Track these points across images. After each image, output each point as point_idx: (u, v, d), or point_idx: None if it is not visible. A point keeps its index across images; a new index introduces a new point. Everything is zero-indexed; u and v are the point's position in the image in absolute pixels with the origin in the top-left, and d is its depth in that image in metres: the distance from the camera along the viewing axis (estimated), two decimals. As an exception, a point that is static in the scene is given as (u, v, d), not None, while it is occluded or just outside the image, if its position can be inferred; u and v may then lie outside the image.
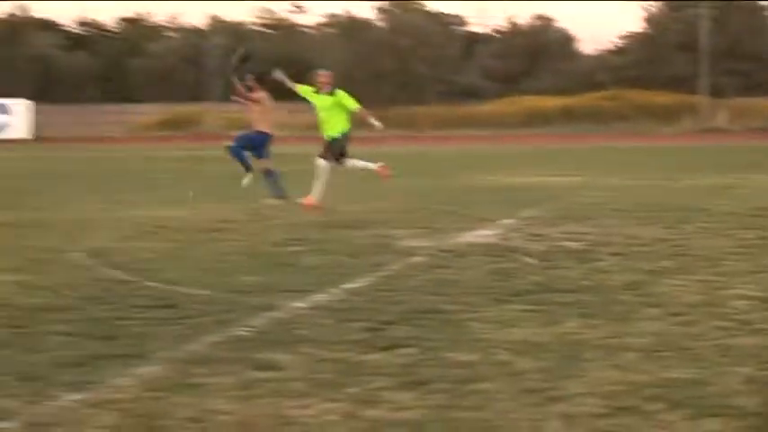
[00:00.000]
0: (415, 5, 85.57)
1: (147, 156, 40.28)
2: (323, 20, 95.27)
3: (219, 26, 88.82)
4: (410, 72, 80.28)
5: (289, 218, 16.66)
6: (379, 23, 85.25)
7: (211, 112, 67.21)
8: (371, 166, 18.20)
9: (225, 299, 9.63)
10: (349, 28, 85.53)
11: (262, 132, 19.18)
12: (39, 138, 62.34)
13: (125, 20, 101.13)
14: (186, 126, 66.70)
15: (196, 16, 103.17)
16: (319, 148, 17.99)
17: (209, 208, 18.50)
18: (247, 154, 19.27)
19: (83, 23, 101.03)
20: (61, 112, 67.59)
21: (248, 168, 19.28)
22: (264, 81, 19.15)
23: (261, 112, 19.17)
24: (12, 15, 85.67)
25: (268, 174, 19.28)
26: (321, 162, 17.85)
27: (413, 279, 10.79)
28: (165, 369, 7.03)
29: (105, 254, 12.75)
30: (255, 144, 19.24)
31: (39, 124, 64.30)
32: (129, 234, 14.83)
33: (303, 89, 18.27)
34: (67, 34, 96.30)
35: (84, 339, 7.92)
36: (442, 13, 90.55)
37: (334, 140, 17.84)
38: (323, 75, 18.19)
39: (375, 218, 16.74)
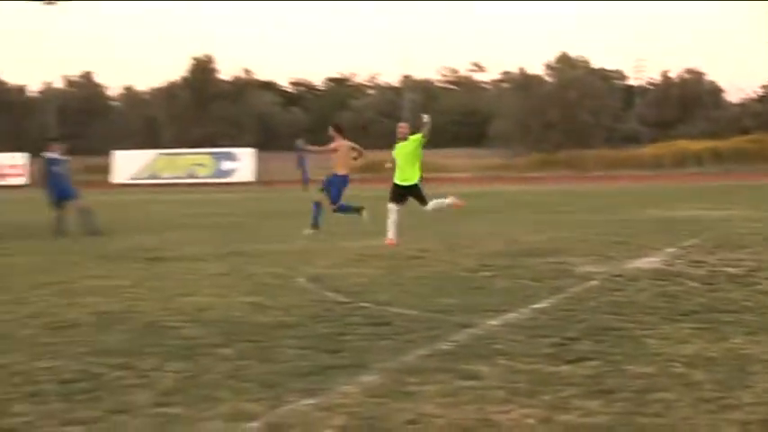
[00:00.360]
0: (581, 62, 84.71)
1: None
2: (499, 76, 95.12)
3: (411, 84, 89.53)
4: (576, 121, 79.57)
5: (479, 248, 16.59)
6: (549, 79, 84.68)
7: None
8: (449, 201, 18.17)
9: (430, 317, 9.64)
10: (522, 83, 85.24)
11: (339, 175, 19.45)
12: (261, 181, 63.79)
13: (332, 80, 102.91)
14: (381, 170, 67.38)
15: (392, 75, 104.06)
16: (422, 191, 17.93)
17: (407, 239, 18.58)
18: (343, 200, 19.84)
19: (296, 83, 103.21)
20: (279, 158, 68.90)
21: (358, 210, 19.65)
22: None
23: (340, 158, 19.71)
24: (238, 78, 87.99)
25: (317, 205, 19.84)
26: (430, 205, 17.86)
27: (591, 300, 10.61)
28: (383, 378, 7.06)
29: (323, 279, 12.90)
30: (334, 184, 19.61)
31: (260, 169, 65.71)
32: (341, 262, 14.97)
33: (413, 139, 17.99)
34: (283, 93, 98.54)
35: (313, 352, 8.03)
36: (604, 69, 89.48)
37: (409, 186, 17.66)
38: (402, 126, 18.10)
39: (554, 247, 16.54)
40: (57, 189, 20.32)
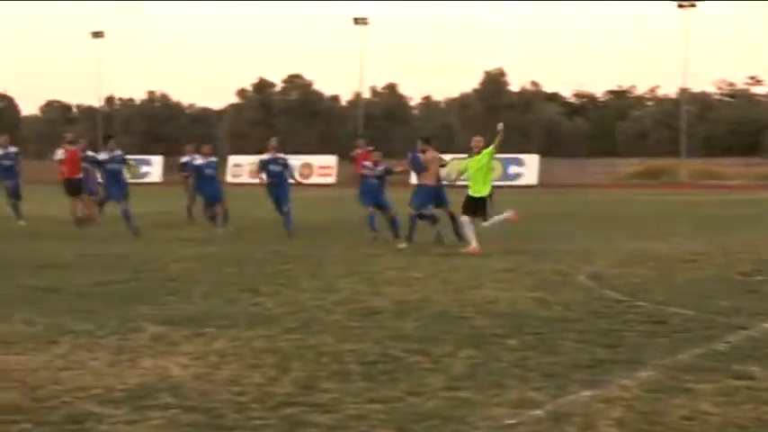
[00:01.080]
0: None
1: (629, 200, 39.71)
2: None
3: (688, 96, 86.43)
4: None
5: (753, 253, 15.76)
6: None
7: (683, 165, 65.29)
8: (505, 215, 16.83)
9: (704, 318, 9.25)
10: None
11: (428, 186, 18.00)
12: (543, 185, 63.34)
13: (611, 92, 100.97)
14: (661, 176, 65.07)
15: (670, 88, 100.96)
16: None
17: (683, 242, 17.91)
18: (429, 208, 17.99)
19: (579, 95, 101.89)
20: (560, 164, 68.27)
21: (434, 220, 17.98)
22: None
23: (430, 170, 18.05)
24: (526, 89, 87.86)
25: (425, 217, 17.85)
26: (488, 222, 16.58)
27: None
28: (659, 374, 6.83)
29: (602, 277, 12.64)
30: (432, 195, 18.04)
31: (543, 174, 65.31)
32: (619, 261, 14.61)
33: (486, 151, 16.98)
34: (567, 103, 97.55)
35: (592, 346, 7.87)
36: None
37: (480, 198, 16.54)
38: (476, 140, 17.08)
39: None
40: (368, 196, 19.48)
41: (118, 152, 20.28)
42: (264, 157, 19.91)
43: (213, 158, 21.33)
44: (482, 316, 9.50)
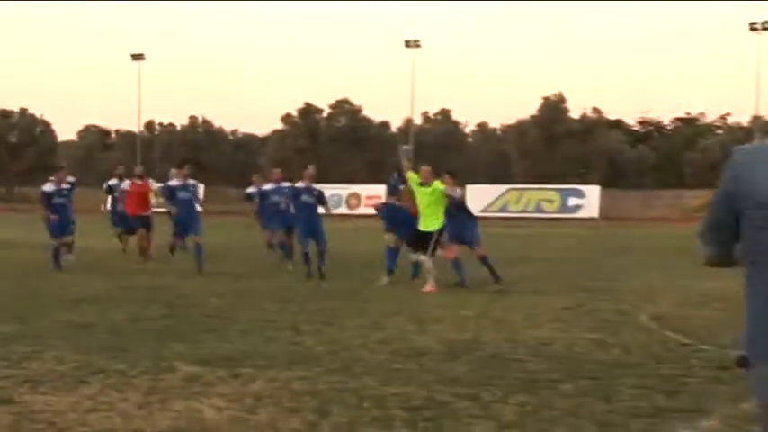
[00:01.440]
0: None
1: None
2: None
3: (762, 124, 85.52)
4: None
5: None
6: None
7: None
8: (429, 276, 16.07)
9: (774, 364, 9.10)
10: None
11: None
12: (604, 217, 62.96)
13: (679, 119, 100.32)
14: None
15: (742, 116, 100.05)
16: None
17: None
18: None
19: (643, 122, 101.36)
20: (623, 196, 67.94)
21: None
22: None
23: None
24: (587, 116, 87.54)
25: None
26: (426, 261, 16.14)
27: None
28: (722, 424, 6.73)
29: (665, 318, 12.52)
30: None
31: (604, 206, 64.92)
32: (683, 301, 14.49)
33: (412, 177, 16.54)
34: (631, 131, 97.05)
35: (652, 393, 7.78)
36: None
37: (428, 234, 16.12)
38: (424, 169, 16.49)
39: None
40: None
41: (66, 185, 20.25)
42: (298, 185, 18.88)
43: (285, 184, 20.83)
44: (536, 359, 9.43)
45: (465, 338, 10.71)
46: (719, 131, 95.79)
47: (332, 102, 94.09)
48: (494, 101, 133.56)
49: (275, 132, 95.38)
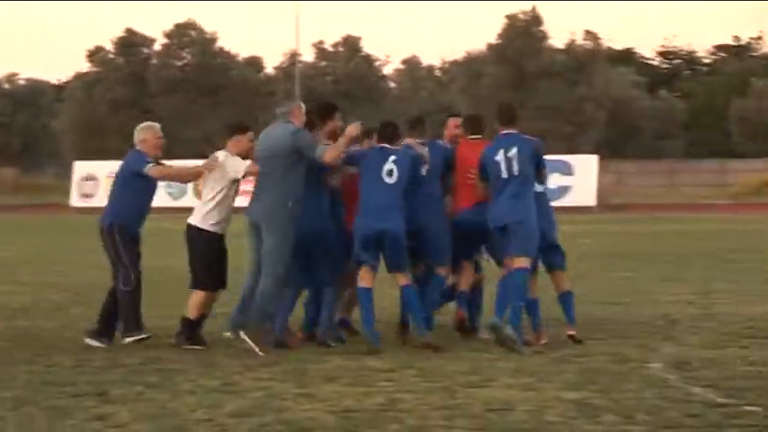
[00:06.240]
0: None
1: (750, 230, 39.91)
2: None
3: None
4: None
5: None
6: None
7: None
8: None
9: None
10: None
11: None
12: (605, 205, 63.36)
13: (721, 48, 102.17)
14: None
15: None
16: None
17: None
18: None
19: (667, 54, 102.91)
20: (637, 170, 68.54)
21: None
22: None
23: None
24: (574, 44, 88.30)
25: None
26: None
27: None
28: None
29: (689, 365, 12.72)
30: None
31: (606, 186, 65.23)
32: (722, 338, 14.72)
33: None
34: (648, 68, 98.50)
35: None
36: None
37: None
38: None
39: None
40: None
41: None
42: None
43: None
44: (483, 434, 9.57)
45: (374, 404, 10.79)
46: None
47: (169, 28, 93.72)
48: (429, 24, 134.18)
49: (78, 77, 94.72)
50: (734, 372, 12.34)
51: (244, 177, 14.69)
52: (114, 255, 14.52)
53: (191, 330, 14.47)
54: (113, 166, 68.12)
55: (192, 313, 14.53)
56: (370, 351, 13.82)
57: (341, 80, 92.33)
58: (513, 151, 14.51)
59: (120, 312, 14.51)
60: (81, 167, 65.54)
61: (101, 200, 63.11)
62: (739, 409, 10.37)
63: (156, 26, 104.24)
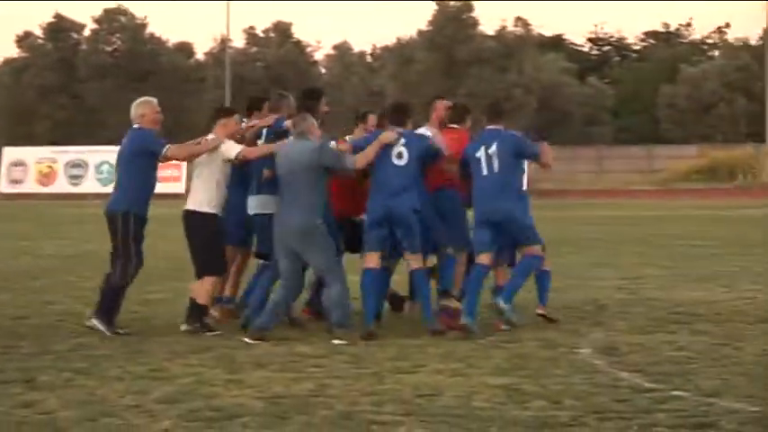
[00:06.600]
0: None
1: (678, 216, 40.19)
2: None
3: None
4: None
5: None
6: None
7: (768, 157, 66.12)
8: None
9: (779, 418, 9.44)
10: None
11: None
12: (533, 191, 63.52)
13: (651, 34, 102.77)
14: (733, 175, 65.80)
15: (749, 29, 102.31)
16: None
17: (763, 287, 18.17)
18: None
19: (596, 41, 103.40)
20: (566, 156, 68.68)
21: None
22: None
23: None
24: (506, 31, 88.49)
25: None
26: None
27: None
28: None
29: (619, 351, 12.79)
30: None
31: (534, 172, 65.46)
32: (650, 324, 14.80)
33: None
34: (578, 54, 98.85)
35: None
36: None
37: None
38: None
39: None
40: None
41: None
42: None
43: None
44: (412, 419, 9.57)
45: (302, 391, 10.79)
46: (714, 53, 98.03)
47: (98, 13, 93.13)
48: (359, 10, 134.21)
49: (6, 63, 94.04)
50: (661, 357, 12.43)
51: (236, 159, 14.66)
52: (122, 244, 14.20)
53: (203, 317, 14.44)
54: (42, 152, 67.95)
55: (205, 300, 14.48)
56: (367, 334, 13.88)
57: (271, 66, 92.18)
58: (493, 148, 14.59)
59: (101, 296, 14.34)
60: (10, 153, 65.23)
61: (30, 186, 63.31)
62: (666, 394, 10.43)
63: (85, 12, 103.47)
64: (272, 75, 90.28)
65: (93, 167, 63.01)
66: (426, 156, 14.73)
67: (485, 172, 14.55)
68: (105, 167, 61.72)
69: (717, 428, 9.10)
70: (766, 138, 68.00)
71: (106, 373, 11.75)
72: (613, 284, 18.99)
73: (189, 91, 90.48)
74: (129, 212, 14.24)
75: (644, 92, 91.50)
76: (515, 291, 14.65)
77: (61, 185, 63.05)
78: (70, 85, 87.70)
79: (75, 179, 63.11)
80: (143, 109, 14.88)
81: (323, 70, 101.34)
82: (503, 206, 14.50)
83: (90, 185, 62.32)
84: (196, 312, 14.37)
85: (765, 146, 67.58)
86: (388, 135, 14.47)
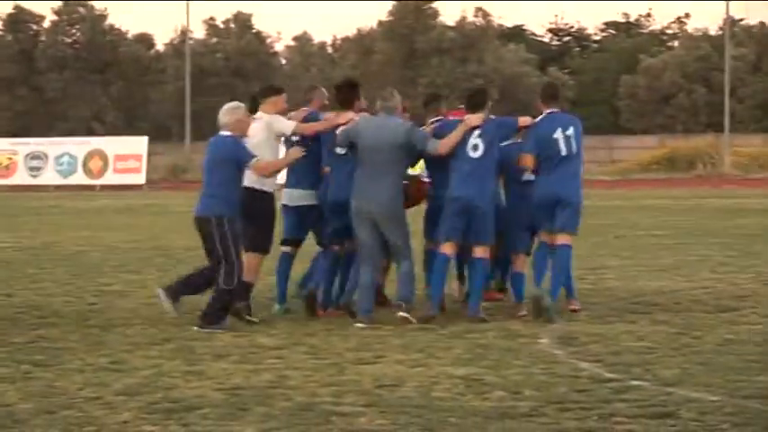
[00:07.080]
0: None
1: (637, 206, 40.31)
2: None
3: (740, 33, 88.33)
4: None
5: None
6: None
7: (727, 147, 66.33)
8: None
9: (739, 407, 9.48)
10: None
11: None
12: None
13: (611, 25, 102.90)
14: (693, 164, 66.04)
15: (708, 20, 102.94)
16: None
17: (723, 277, 18.23)
18: None
19: (557, 31, 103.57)
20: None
21: None
22: None
23: None
24: (465, 21, 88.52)
25: None
26: None
27: None
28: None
29: (579, 341, 12.83)
30: None
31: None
32: (610, 314, 14.84)
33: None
34: (538, 45, 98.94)
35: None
36: None
37: None
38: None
39: None
40: None
41: None
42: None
43: None
44: (373, 410, 9.58)
45: (261, 382, 10.79)
46: (674, 43, 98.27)
47: (58, 5, 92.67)
48: (320, 1, 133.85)
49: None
50: (621, 347, 12.46)
51: (292, 136, 14.79)
52: (222, 249, 13.92)
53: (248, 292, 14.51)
54: (2, 143, 67.89)
55: (252, 277, 14.56)
56: (425, 319, 14.08)
57: (232, 57, 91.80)
58: (571, 130, 14.66)
59: (210, 302, 14.08)
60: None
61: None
62: (626, 384, 10.45)
63: (45, 3, 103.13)
64: (232, 66, 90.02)
65: (53, 159, 62.82)
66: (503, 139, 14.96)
67: (564, 152, 14.73)
68: (65, 159, 61.71)
69: (676, 418, 9.12)
70: (725, 128, 68.23)
71: (65, 365, 11.72)
72: (573, 275, 18.99)
73: (149, 82, 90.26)
74: (223, 217, 14.04)
75: (604, 82, 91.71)
76: (560, 285, 14.89)
77: (21, 177, 62.88)
78: (30, 77, 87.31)
79: (34, 171, 62.93)
80: (238, 114, 14.53)
81: (283, 61, 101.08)
82: (573, 187, 14.91)
83: (50, 177, 62.18)
84: (246, 291, 14.47)
85: (725, 136, 67.87)
86: (473, 118, 14.46)
